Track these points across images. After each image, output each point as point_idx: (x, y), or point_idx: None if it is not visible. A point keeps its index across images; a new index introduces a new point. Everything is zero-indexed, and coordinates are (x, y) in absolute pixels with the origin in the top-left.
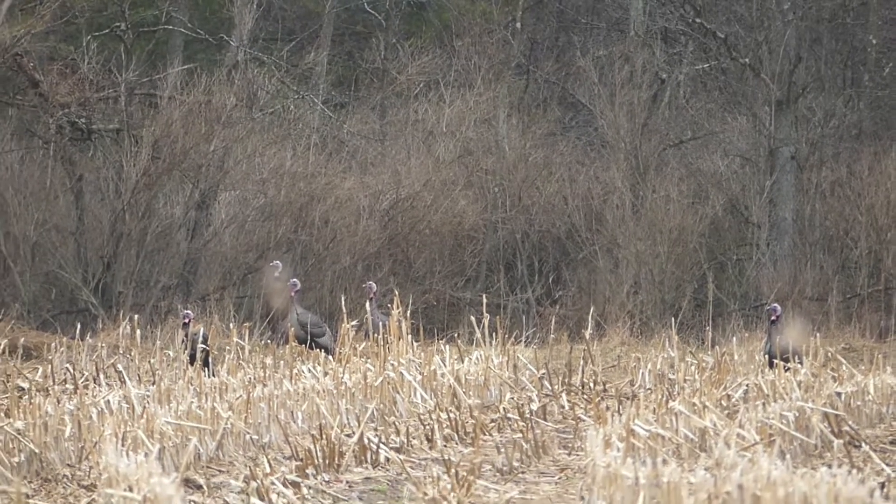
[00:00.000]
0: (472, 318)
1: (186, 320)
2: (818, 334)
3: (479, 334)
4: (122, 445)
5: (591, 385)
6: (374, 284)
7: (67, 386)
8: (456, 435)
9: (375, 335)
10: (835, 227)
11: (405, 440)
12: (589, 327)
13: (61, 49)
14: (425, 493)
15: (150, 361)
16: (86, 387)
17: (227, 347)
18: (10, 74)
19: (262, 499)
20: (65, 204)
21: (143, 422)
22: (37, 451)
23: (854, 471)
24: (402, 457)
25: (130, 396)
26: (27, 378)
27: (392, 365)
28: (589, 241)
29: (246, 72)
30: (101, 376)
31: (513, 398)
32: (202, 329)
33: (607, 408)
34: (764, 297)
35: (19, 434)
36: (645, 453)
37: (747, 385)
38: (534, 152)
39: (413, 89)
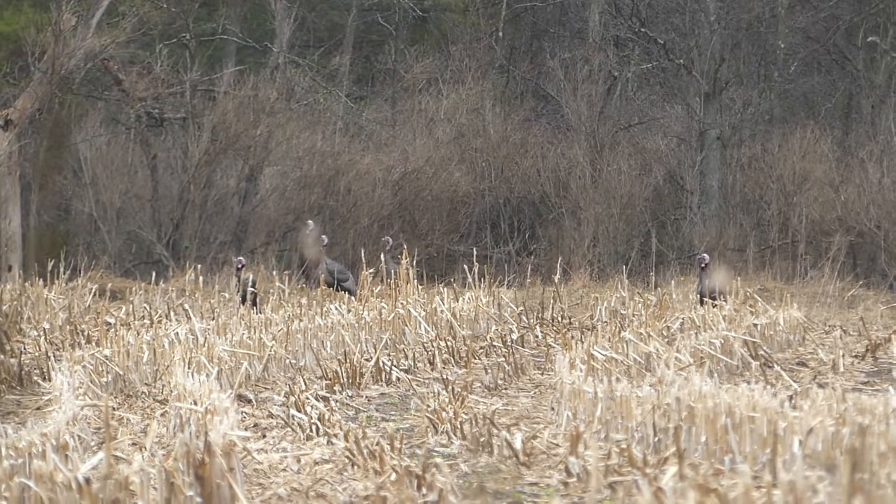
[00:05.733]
0: (465, 267)
1: (239, 266)
2: (739, 278)
3: (470, 279)
4: (188, 368)
5: (559, 319)
6: (389, 239)
7: (145, 321)
8: (452, 359)
9: (388, 280)
10: (751, 192)
11: (412, 363)
12: (557, 273)
13: (139, 54)
14: (428, 405)
15: (210, 302)
16: (159, 322)
17: (271, 290)
18: (98, 75)
19: (299, 410)
20: (142, 177)
21: (204, 349)
22: (121, 372)
23: (768, 386)
24: (409, 376)
25: (195, 329)
26: (113, 315)
27: (401, 303)
28: (557, 205)
29: (285, 72)
30: (172, 313)
31: (497, 329)
32: (251, 275)
33: (572, 337)
34: (695, 248)
35: (107, 359)
36: (602, 373)
37: (683, 318)
38: (513, 134)
39: (417, 85)
